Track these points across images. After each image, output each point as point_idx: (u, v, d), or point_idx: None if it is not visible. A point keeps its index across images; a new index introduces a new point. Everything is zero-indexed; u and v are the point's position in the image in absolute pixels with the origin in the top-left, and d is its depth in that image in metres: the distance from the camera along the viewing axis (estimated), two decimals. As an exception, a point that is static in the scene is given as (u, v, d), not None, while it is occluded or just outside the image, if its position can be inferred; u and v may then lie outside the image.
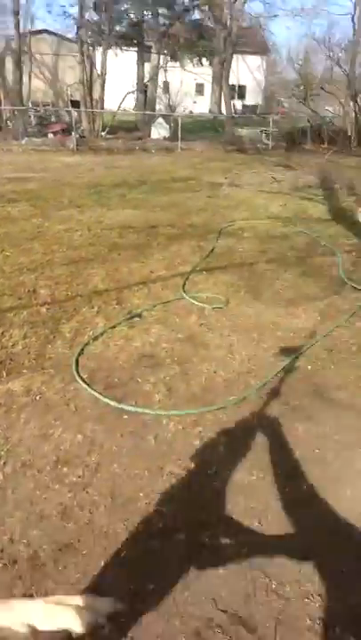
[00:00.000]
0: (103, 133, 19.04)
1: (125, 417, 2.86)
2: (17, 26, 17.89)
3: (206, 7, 25.03)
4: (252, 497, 2.29)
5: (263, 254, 6.01)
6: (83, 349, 3.58)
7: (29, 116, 19.38)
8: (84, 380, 3.18)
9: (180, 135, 18.53)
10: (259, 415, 2.93)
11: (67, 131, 18.61)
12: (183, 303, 4.50)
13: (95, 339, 3.76)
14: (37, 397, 3.03)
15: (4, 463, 2.47)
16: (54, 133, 18.67)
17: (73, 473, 2.42)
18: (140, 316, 4.21)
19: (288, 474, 2.45)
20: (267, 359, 3.57)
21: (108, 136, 19.25)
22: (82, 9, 18.96)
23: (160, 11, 23.83)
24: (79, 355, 3.50)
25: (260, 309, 4.43)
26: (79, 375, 3.24)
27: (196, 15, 26.45)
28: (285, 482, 2.39)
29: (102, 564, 1.97)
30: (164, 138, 20.11)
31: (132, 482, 2.38)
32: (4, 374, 3.26)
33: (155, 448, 2.62)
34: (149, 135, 20.58)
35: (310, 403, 3.06)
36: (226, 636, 1.72)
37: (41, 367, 3.37)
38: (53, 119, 20.07)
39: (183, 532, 2.09)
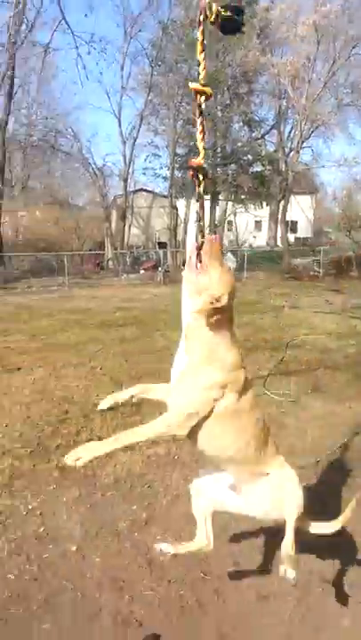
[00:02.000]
0: (183, 267, 21.44)
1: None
2: (125, 188, 21.53)
3: (266, 161, 28.40)
4: None
5: (323, 361, 7.02)
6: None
7: (126, 257, 22.32)
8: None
9: (245, 266, 20.56)
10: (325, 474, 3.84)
11: (154, 267, 21.18)
12: (264, 398, 5.55)
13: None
14: (175, 458, 4.11)
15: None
16: (145, 269, 21.28)
17: None
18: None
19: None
20: (329, 437, 4.49)
21: (187, 269, 21.62)
22: (172, 171, 22.59)
23: (230, 166, 27.32)
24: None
25: (324, 402, 5.39)
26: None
27: (258, 168, 29.84)
28: None
29: None
30: (233, 269, 22.26)
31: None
32: (150, 443, 4.39)
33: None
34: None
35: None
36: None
37: (172, 439, 4.48)
38: (144, 258, 22.93)
39: None
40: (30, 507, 3.41)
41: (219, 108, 24.99)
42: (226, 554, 2.84)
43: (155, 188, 26.63)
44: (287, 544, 1.90)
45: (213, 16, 1.61)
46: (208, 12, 1.60)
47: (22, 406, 5.39)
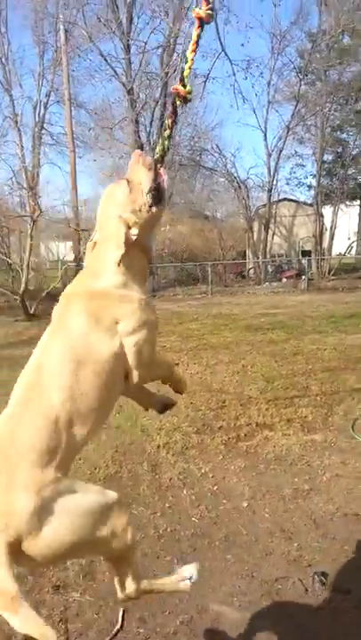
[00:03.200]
0: (329, 275, 21.15)
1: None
2: (269, 199, 22.11)
3: None
4: None
5: None
6: (355, 421, 4.92)
7: (267, 266, 22.73)
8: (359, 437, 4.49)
9: None
10: None
11: (298, 275, 21.19)
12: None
13: (362, 416, 5.08)
14: (332, 444, 4.43)
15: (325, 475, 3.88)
16: (288, 278, 21.42)
17: (368, 482, 3.70)
18: None
19: None
20: None
21: (332, 277, 21.25)
22: (319, 178, 22.58)
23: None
24: (353, 423, 4.84)
25: None
26: (355, 432, 4.57)
27: None
28: None
29: None
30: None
31: None
32: (307, 431, 4.77)
33: None
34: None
35: None
36: None
37: (328, 429, 4.80)
38: (285, 267, 23.08)
39: None
40: (203, 471, 4.04)
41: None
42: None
43: (299, 197, 26.79)
44: None
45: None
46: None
47: (185, 395, 6.13)
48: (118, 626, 2.31)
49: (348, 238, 27.35)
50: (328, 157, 25.32)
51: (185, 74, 1.70)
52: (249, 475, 3.92)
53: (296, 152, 25.99)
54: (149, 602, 2.44)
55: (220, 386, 6.49)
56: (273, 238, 23.62)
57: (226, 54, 9.26)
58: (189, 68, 1.71)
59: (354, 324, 10.69)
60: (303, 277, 20.00)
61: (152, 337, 1.66)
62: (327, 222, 24.00)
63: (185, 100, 1.71)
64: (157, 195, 1.69)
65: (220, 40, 8.61)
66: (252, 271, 23.18)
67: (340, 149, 25.51)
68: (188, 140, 24.34)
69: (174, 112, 1.74)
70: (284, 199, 25.03)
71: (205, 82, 11.13)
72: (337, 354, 7.95)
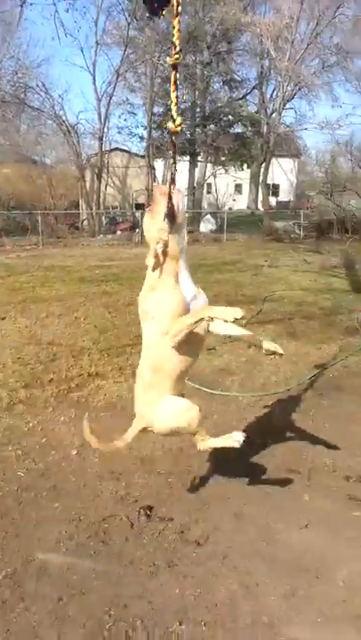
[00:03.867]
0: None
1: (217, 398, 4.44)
2: (100, 147, 21.40)
3: (248, 122, 28.42)
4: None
5: (298, 313, 7.62)
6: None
7: (101, 217, 22.40)
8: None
9: (225, 228, 20.98)
10: (297, 397, 4.45)
11: (132, 228, 21.37)
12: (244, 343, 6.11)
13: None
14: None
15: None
16: (122, 230, 21.46)
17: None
18: (214, 348, 5.85)
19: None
20: (302, 372, 5.10)
21: (165, 231, 21.89)
22: (150, 131, 22.49)
23: (209, 126, 27.29)
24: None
25: (298, 345, 6.00)
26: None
27: (239, 129, 29.83)
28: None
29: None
30: (211, 231, 22.64)
31: (225, 423, 3.92)
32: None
33: (234, 413, 4.18)
34: (198, 229, 23.18)
35: (330, 391, 4.57)
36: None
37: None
38: (120, 219, 23.03)
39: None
40: (31, 424, 3.92)
41: (198, 66, 24.74)
42: (207, 455, 3.41)
43: (131, 148, 26.58)
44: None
45: None
46: None
47: (12, 349, 5.83)
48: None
49: (180, 193, 28.27)
50: (159, 110, 25.38)
51: (173, 112, 2.29)
52: (79, 424, 3.90)
53: (127, 99, 25.49)
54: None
55: (52, 338, 6.30)
56: (106, 189, 23.22)
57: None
58: (175, 105, 2.32)
59: (184, 275, 11.23)
60: (137, 230, 20.23)
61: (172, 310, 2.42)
62: (159, 176, 24.40)
63: (177, 133, 2.34)
64: (172, 215, 2.36)
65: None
66: (85, 222, 22.63)
67: (169, 102, 25.71)
68: (12, 75, 22.17)
69: (173, 145, 2.45)
70: (117, 149, 24.62)
71: (22, 6, 10.10)
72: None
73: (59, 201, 22.65)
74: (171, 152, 2.41)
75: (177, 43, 2.14)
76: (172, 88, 2.21)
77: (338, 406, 4.29)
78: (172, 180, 2.38)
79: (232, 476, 3.20)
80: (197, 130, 26.78)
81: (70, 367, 5.22)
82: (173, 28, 2.16)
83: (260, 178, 27.62)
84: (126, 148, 25.70)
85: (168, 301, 2.41)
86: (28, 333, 6.52)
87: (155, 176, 23.51)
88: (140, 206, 23.23)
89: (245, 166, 32.94)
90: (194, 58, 24.96)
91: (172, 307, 2.40)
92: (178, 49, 2.14)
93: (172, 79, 2.21)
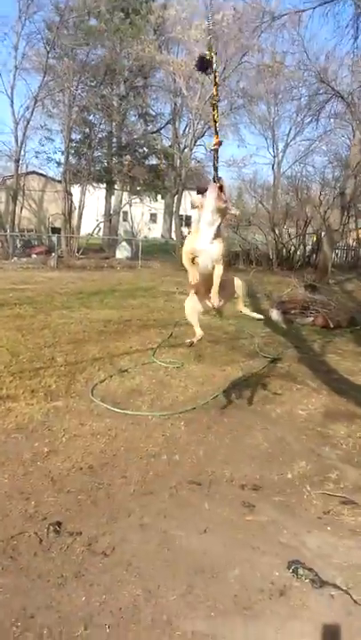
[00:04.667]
0: (78, 254, 21.61)
1: (127, 418, 4.58)
2: (16, 170, 20.96)
3: (162, 155, 29.30)
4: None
5: (205, 337, 7.97)
6: (94, 386, 5.31)
7: (16, 240, 21.83)
8: (98, 400, 4.89)
9: (140, 255, 21.33)
10: (201, 415, 4.71)
11: (48, 252, 21.02)
12: (154, 365, 6.33)
13: (101, 382, 5.51)
14: (72, 409, 4.70)
15: (64, 436, 4.11)
16: (37, 254, 21.03)
17: (103, 434, 4.09)
18: (127, 371, 6.00)
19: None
20: (208, 392, 5.40)
21: (81, 256, 21.81)
22: (67, 156, 22.45)
23: (125, 156, 27.75)
24: (93, 389, 5.22)
25: (204, 367, 6.32)
26: (94, 397, 4.95)
27: (154, 161, 30.62)
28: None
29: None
30: (127, 258, 22.91)
31: (135, 440, 4.06)
32: (50, 399, 4.92)
33: (143, 430, 4.34)
34: (114, 255, 23.36)
35: (232, 409, 4.89)
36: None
37: (70, 396, 5.05)
38: (35, 242, 22.58)
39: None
40: None
41: (115, 98, 25.31)
42: (116, 471, 3.53)
43: (48, 172, 26.34)
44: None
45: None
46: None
47: None
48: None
49: (97, 219, 28.37)
50: (77, 137, 25.46)
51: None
52: (-12, 446, 3.86)
53: (45, 125, 25.29)
54: None
55: None
56: (22, 212, 22.73)
57: None
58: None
59: (99, 300, 11.33)
60: (53, 254, 19.96)
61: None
62: (76, 201, 24.35)
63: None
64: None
65: None
66: (-1, 245, 21.90)
67: (87, 130, 25.87)
68: None
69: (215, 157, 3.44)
70: (33, 172, 24.28)
71: None
72: (82, 327, 8.32)
73: (-30, 222, 21.77)
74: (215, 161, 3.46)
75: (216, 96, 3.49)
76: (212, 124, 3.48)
77: (237, 422, 4.61)
78: (216, 179, 3.39)
79: (140, 490, 3.34)
80: (114, 159, 27.21)
81: (-19, 390, 5.10)
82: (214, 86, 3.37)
83: (174, 209, 28.47)
84: (43, 173, 25.41)
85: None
86: None
87: (72, 201, 23.37)
88: (56, 230, 22.96)
89: (160, 197, 33.82)
90: (111, 90, 25.52)
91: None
92: (217, 99, 3.51)
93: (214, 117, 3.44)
